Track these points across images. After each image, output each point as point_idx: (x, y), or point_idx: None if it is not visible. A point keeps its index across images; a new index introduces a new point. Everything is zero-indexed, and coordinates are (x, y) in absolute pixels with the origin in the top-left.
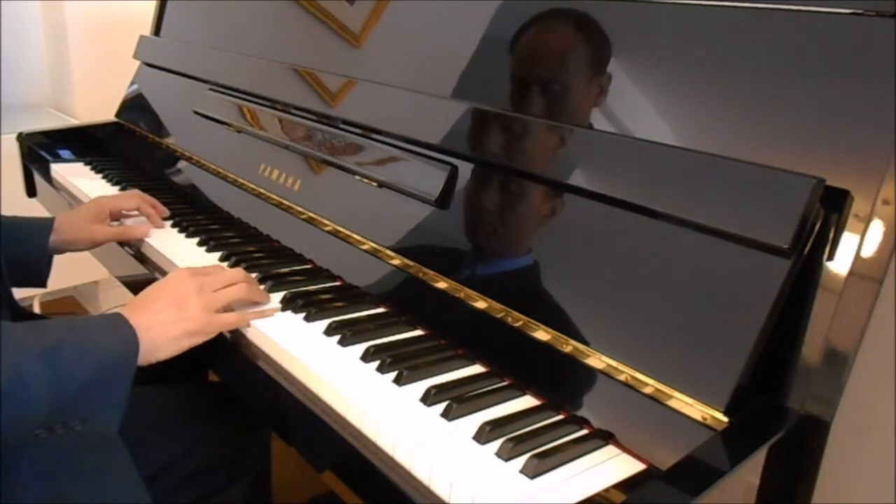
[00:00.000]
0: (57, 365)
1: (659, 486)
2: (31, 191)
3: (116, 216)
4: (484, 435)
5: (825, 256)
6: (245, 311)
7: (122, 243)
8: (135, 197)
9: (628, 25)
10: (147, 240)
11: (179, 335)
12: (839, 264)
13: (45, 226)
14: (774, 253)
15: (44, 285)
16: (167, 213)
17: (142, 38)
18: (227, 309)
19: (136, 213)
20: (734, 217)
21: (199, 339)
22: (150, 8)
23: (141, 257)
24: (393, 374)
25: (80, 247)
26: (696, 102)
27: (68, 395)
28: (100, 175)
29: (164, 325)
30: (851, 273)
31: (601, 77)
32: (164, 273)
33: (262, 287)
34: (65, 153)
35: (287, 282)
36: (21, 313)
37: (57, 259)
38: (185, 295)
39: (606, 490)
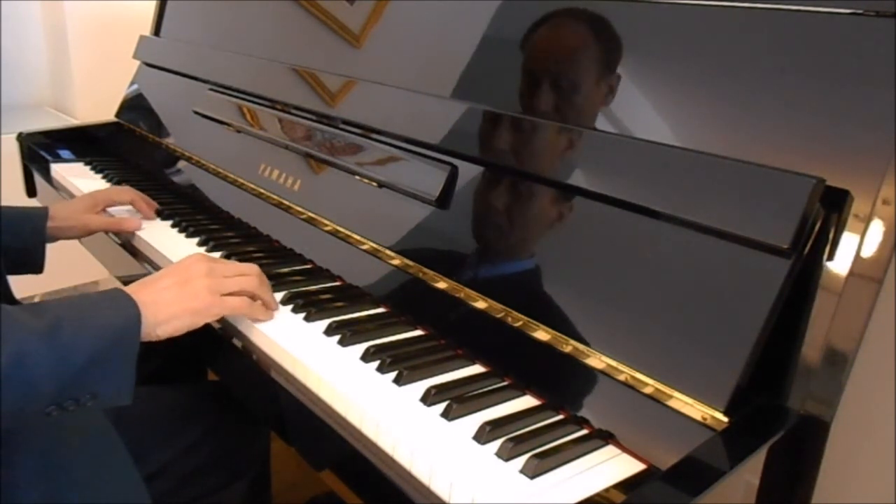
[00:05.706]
0: (58, 343)
1: (659, 486)
2: (31, 191)
3: (110, 207)
4: (484, 435)
5: (825, 256)
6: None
7: (112, 233)
8: (128, 191)
9: (628, 26)
10: (145, 237)
11: (181, 312)
12: (839, 264)
13: (41, 214)
14: (774, 253)
15: (40, 271)
16: (157, 206)
17: (142, 38)
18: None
19: (129, 206)
20: (734, 217)
21: (202, 320)
22: (150, 8)
23: (133, 250)
24: (393, 374)
25: (74, 234)
26: (697, 102)
27: (72, 371)
28: (100, 175)
29: (168, 302)
30: (851, 273)
31: (601, 77)
32: (158, 268)
33: None
34: (65, 153)
35: (287, 282)
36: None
37: (57, 259)
38: (193, 275)
39: (606, 490)
